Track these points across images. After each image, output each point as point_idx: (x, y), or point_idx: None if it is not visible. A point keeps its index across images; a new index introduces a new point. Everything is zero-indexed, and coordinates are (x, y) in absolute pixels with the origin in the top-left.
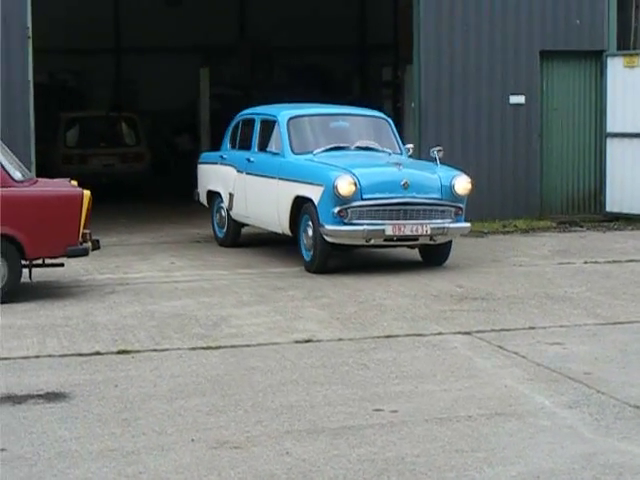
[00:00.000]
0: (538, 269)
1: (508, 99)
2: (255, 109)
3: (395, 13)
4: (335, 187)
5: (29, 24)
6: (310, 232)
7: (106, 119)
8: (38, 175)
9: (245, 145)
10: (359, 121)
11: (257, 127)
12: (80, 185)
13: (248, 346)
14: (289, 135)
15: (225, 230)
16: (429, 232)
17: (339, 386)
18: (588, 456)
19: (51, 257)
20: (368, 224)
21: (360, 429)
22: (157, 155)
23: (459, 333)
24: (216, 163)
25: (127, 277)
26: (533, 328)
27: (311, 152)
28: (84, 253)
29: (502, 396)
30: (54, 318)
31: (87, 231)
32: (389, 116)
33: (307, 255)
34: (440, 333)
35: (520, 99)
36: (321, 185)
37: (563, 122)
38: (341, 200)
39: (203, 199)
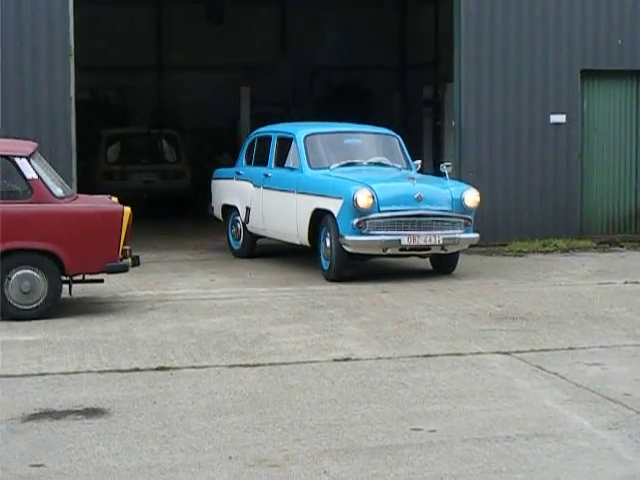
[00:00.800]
0: (578, 289)
1: (549, 118)
2: (271, 127)
3: (436, 32)
4: (354, 200)
5: (72, 42)
6: (328, 242)
7: (147, 136)
8: (79, 191)
9: (261, 161)
10: (370, 138)
11: (274, 144)
12: (120, 201)
13: (286, 364)
14: (306, 151)
15: (241, 242)
16: (441, 242)
17: (377, 405)
18: (627, 478)
19: (91, 273)
20: (385, 235)
21: (398, 448)
22: (198, 173)
23: (498, 353)
24: (232, 178)
25: (166, 294)
26: (573, 349)
27: (328, 167)
28: (124, 269)
29: (541, 417)
30: (93, 334)
31: (127, 247)
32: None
33: (325, 264)
34: (479, 353)
35: (561, 118)
36: (341, 198)
37: (603, 141)
38: (360, 212)
39: (218, 213)
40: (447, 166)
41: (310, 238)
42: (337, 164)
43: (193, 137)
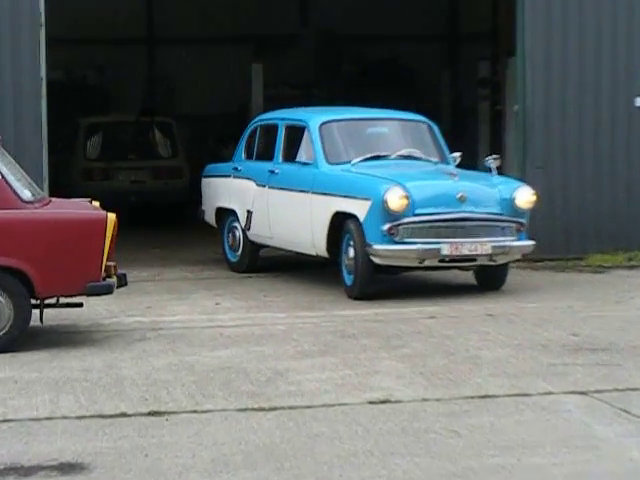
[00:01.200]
0: None
1: (634, 101)
2: (276, 113)
3: None
4: (385, 201)
5: (42, 9)
6: (352, 252)
7: (136, 125)
8: (52, 194)
9: (265, 155)
10: (399, 126)
11: (281, 134)
12: (103, 207)
13: (310, 407)
14: (322, 143)
15: (240, 253)
16: (490, 251)
17: (423, 458)
18: None
19: (67, 295)
20: (422, 243)
21: None
22: (198, 171)
23: (573, 393)
24: (228, 176)
25: (161, 321)
26: None
27: (348, 162)
28: (108, 291)
29: (626, 472)
30: (70, 370)
31: (111, 263)
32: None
33: (348, 279)
34: (550, 393)
35: None
36: (368, 199)
37: None
38: (391, 216)
39: (210, 218)
40: (494, 159)
41: (329, 248)
42: (359, 158)
43: (193, 126)
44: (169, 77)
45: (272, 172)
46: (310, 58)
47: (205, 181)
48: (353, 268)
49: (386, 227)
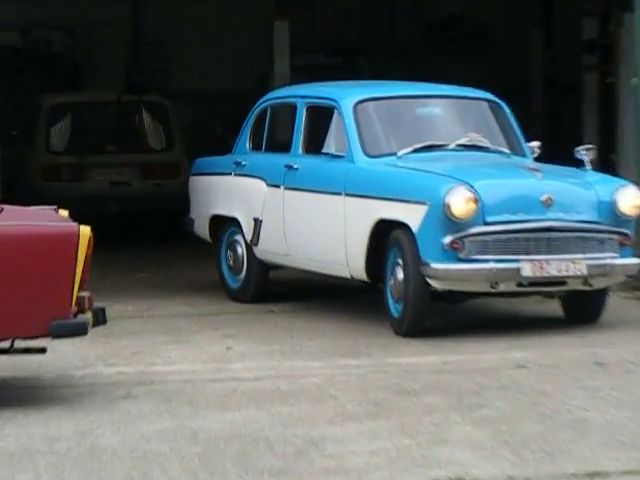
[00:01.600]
0: None
1: None
2: (294, 89)
3: None
4: (446, 206)
5: None
6: (400, 274)
7: (117, 107)
8: (4, 200)
9: (279, 145)
10: (457, 106)
11: (301, 117)
12: (73, 217)
13: None
14: (358, 129)
15: (243, 276)
16: (584, 272)
17: None
18: None
19: (25, 337)
20: (496, 260)
21: None
22: None
23: None
24: (228, 174)
25: (152, 371)
26: None
27: (394, 154)
28: (80, 331)
29: None
30: (30, 439)
31: (85, 294)
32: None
33: (395, 309)
34: None
35: None
36: (423, 203)
37: None
38: (455, 225)
39: (202, 230)
40: (588, 150)
41: (369, 267)
42: (408, 149)
43: (194, 108)
44: (162, 41)
45: (290, 167)
46: (353, 15)
47: (195, 180)
48: (402, 295)
49: (448, 240)
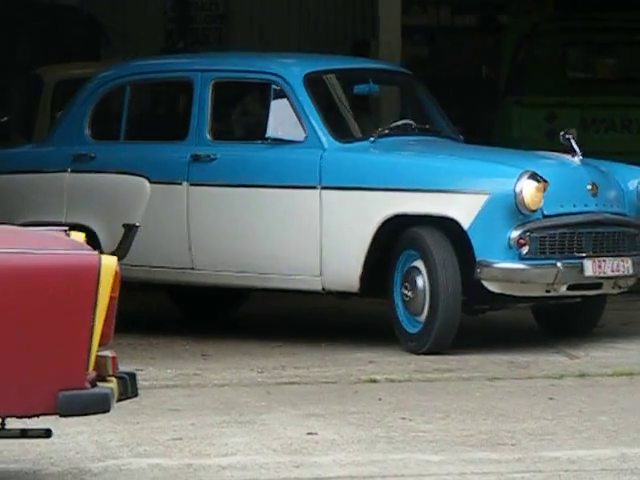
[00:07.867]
0: None
1: None
2: (178, 62)
3: None
4: (519, 195)
5: None
6: (420, 281)
7: None
8: None
9: (154, 132)
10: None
11: (205, 97)
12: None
13: None
14: (318, 108)
15: None
16: (632, 271)
17: None
18: None
19: (22, 415)
20: (561, 259)
21: None
22: None
23: None
24: (62, 171)
25: (201, 465)
26: None
27: (366, 138)
28: (99, 406)
29: None
30: None
31: (107, 354)
32: None
33: (412, 325)
34: None
35: None
36: (483, 193)
37: None
38: (524, 217)
39: None
40: (568, 134)
41: (364, 276)
42: (378, 132)
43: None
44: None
45: (198, 158)
46: None
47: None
48: (422, 306)
49: (515, 235)
